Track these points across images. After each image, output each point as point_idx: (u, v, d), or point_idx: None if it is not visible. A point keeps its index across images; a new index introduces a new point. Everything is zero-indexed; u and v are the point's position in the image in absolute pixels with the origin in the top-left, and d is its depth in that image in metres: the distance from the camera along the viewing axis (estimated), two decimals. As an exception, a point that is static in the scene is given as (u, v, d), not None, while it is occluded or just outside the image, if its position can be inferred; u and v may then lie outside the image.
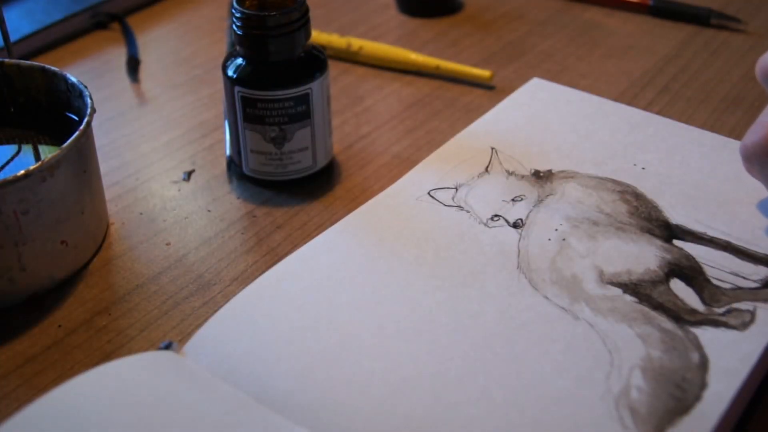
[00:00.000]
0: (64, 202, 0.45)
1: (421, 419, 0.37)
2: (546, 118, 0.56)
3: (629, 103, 0.59)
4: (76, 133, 0.45)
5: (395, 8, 0.75)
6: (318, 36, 0.67)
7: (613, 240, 0.46)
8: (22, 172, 0.42)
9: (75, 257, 0.47)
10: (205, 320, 0.42)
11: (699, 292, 0.43)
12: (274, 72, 0.50)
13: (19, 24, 0.68)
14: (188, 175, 0.55)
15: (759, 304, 0.42)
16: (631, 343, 0.40)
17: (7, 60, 0.51)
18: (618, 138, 0.54)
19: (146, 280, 0.47)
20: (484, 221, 0.48)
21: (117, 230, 0.50)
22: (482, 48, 0.69)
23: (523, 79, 0.62)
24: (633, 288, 0.43)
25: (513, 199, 0.49)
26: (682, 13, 0.72)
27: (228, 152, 0.55)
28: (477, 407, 0.37)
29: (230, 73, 0.50)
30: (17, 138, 0.50)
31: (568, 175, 0.51)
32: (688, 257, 0.45)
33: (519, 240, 0.46)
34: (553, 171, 0.51)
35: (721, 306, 0.42)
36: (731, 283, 0.43)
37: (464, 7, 0.75)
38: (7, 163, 0.48)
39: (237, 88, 0.50)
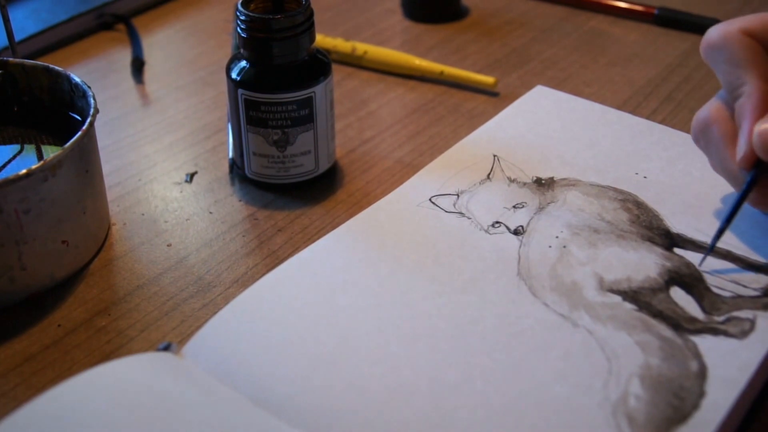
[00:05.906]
0: (66, 202, 0.45)
1: (419, 424, 0.37)
2: (549, 125, 0.56)
3: (632, 112, 0.59)
4: (79, 133, 0.45)
5: (401, 13, 0.75)
6: (323, 40, 0.67)
7: (614, 248, 0.46)
8: (24, 171, 0.42)
9: (76, 257, 0.47)
10: (205, 322, 0.42)
11: (699, 300, 0.43)
12: (278, 75, 0.50)
13: (24, 23, 0.69)
14: (190, 176, 0.55)
15: (759, 313, 0.42)
16: (629, 351, 0.40)
17: (11, 59, 0.51)
18: (620, 146, 0.54)
19: (147, 281, 0.47)
20: (485, 228, 0.48)
21: (118, 231, 0.51)
22: (487, 54, 0.69)
23: (527, 86, 0.62)
24: (633, 295, 0.43)
25: (514, 206, 0.49)
26: (687, 22, 0.72)
27: (230, 154, 0.55)
28: (475, 413, 0.37)
29: (234, 75, 0.51)
30: (20, 137, 0.50)
31: (570, 183, 0.51)
32: (689, 265, 0.45)
33: (519, 247, 0.46)
34: (554, 179, 0.51)
35: (721, 314, 0.42)
36: (731, 292, 0.43)
37: (469, 14, 0.76)
38: (9, 161, 0.48)
39: (240, 91, 0.50)
